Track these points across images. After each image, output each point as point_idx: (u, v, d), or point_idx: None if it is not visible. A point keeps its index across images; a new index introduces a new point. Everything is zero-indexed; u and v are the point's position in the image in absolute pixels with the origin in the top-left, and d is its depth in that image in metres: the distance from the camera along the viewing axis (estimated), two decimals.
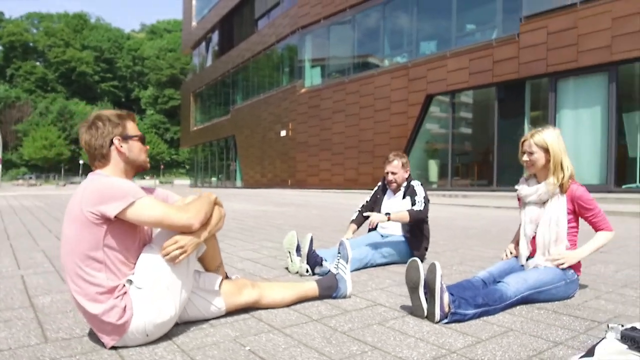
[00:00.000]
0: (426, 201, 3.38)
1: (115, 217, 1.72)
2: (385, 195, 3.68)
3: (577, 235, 2.53)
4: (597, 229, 2.50)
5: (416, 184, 3.50)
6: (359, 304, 2.37)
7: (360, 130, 16.14)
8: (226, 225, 5.82)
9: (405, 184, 3.55)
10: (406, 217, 3.25)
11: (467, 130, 14.78)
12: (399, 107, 14.67)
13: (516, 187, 2.70)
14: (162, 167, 62.90)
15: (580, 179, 7.64)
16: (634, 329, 1.41)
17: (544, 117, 11.37)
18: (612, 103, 10.11)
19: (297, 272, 3.04)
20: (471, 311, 2.11)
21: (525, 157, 2.56)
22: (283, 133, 20.30)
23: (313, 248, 3.04)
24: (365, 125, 15.93)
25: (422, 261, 3.29)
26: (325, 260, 3.02)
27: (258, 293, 2.21)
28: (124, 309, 1.74)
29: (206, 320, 2.06)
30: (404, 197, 3.51)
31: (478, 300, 2.15)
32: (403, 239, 3.40)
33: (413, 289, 2.15)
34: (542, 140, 2.49)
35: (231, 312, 2.13)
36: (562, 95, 11.06)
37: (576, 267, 2.49)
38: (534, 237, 2.55)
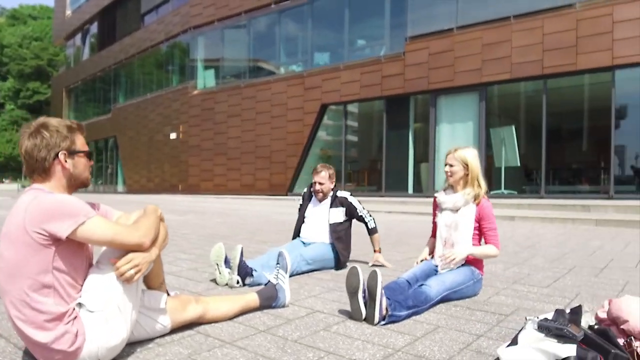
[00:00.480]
0: (369, 212, 3.68)
1: (67, 237, 1.61)
2: (311, 203, 3.84)
3: (482, 243, 2.91)
4: (487, 241, 2.87)
5: (347, 195, 3.73)
6: (298, 312, 2.47)
7: (257, 135, 16.14)
8: None
9: (331, 194, 3.76)
10: (378, 237, 3.76)
11: (358, 139, 15.63)
12: (296, 114, 15.00)
13: (435, 195, 3.02)
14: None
15: None
16: (546, 319, 1.72)
17: (426, 130, 12.52)
18: (481, 119, 11.51)
19: (227, 284, 3.04)
20: (404, 312, 2.34)
21: (446, 168, 2.89)
22: (173, 136, 19.44)
23: (243, 259, 3.06)
24: (262, 131, 15.98)
25: (345, 267, 3.53)
26: (255, 271, 3.07)
27: (202, 308, 2.20)
28: (76, 334, 1.64)
29: (151, 339, 2.00)
30: (331, 207, 3.70)
31: (409, 303, 2.39)
32: (330, 246, 3.58)
33: (352, 294, 2.32)
34: (463, 156, 2.84)
35: (175, 330, 2.09)
36: (441, 110, 12.29)
37: (480, 267, 2.88)
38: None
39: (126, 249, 1.77)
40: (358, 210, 3.66)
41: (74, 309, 1.67)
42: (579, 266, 3.87)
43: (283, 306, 2.54)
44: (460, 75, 11.71)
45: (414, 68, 12.46)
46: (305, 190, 3.95)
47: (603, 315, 1.78)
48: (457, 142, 11.80)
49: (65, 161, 1.78)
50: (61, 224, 1.61)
